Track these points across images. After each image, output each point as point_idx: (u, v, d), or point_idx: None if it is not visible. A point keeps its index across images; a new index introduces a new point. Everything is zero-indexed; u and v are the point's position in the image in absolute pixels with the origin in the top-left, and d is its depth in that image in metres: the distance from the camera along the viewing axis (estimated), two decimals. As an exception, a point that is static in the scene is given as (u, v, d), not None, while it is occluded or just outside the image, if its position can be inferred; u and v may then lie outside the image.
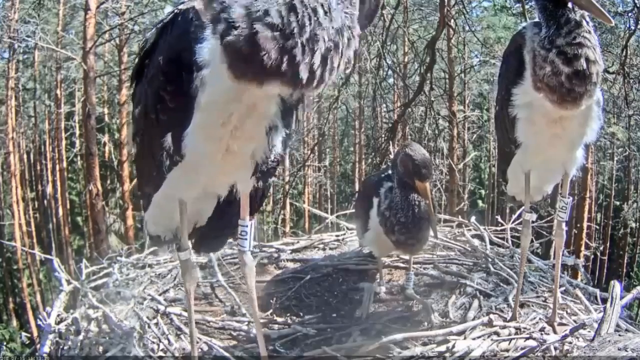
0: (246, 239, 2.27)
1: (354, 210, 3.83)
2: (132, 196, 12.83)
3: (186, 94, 1.75)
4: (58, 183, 15.72)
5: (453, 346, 2.64)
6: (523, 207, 3.02)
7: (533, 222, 3.61)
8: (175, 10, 1.80)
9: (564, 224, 2.87)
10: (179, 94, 1.77)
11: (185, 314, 3.13)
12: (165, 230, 2.56)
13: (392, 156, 3.19)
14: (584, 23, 2.29)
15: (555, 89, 2.30)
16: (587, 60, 2.25)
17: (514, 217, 4.47)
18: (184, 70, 1.72)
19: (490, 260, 3.70)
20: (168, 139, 1.89)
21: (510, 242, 4.12)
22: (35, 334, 11.21)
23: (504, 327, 2.86)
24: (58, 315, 3.20)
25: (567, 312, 3.11)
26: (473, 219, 4.32)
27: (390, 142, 6.91)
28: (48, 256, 3.98)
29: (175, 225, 2.44)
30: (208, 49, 1.66)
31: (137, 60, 2.10)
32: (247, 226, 2.25)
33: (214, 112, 1.81)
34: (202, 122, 1.81)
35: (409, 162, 2.93)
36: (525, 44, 2.43)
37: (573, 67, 2.26)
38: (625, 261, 17.11)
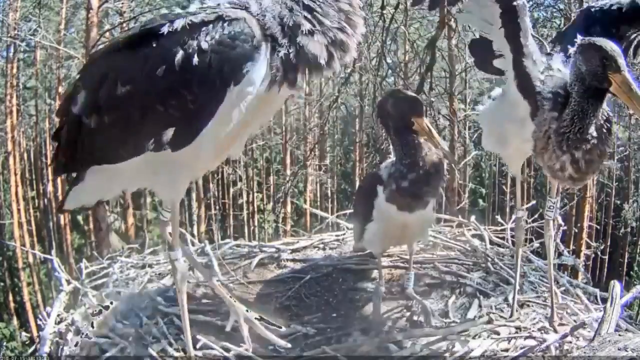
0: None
1: (352, 210, 3.76)
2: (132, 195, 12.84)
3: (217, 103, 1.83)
4: (59, 182, 15.69)
5: (453, 346, 2.65)
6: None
7: (527, 221, 3.68)
8: (225, 17, 1.80)
9: (551, 222, 2.97)
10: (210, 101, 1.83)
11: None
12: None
13: (391, 157, 3.10)
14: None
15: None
16: None
17: (513, 217, 4.47)
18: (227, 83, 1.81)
19: (490, 260, 3.70)
20: (169, 132, 1.90)
21: (510, 242, 4.12)
22: (35, 333, 11.22)
23: (503, 327, 2.87)
24: (58, 315, 3.21)
25: (567, 312, 3.11)
26: (473, 218, 4.32)
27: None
28: (48, 256, 3.98)
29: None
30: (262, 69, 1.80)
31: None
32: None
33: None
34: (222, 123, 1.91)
35: (400, 102, 2.79)
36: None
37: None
38: (626, 261, 17.10)
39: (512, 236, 4.18)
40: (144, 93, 1.87)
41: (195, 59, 1.77)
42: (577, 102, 2.31)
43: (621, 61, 2.18)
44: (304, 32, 1.78)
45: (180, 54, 1.79)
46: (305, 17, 1.78)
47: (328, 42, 1.81)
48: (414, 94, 2.90)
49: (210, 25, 1.79)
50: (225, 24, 1.78)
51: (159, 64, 1.82)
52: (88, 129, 2.05)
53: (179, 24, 1.81)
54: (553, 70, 2.54)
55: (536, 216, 4.38)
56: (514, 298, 3.04)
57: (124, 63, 1.94)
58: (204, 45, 1.77)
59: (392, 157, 3.02)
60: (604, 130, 2.33)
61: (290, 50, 1.79)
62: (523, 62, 2.51)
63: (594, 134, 2.30)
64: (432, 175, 2.84)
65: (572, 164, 2.36)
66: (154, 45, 1.85)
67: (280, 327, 2.82)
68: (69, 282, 3.52)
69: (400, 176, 2.83)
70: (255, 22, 1.81)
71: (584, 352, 2.16)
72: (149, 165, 2.12)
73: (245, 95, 1.84)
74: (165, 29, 1.83)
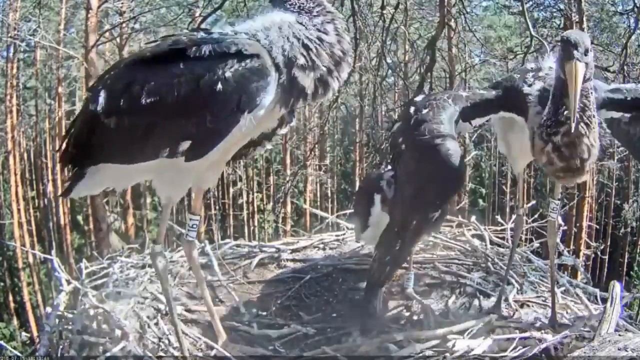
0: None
1: (352, 210, 3.75)
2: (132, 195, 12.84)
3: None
4: (59, 182, 15.68)
5: (453, 345, 2.65)
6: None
7: (527, 221, 3.71)
8: (244, 52, 2.02)
9: (555, 224, 3.03)
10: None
11: (186, 313, 3.14)
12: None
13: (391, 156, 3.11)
14: None
15: None
16: None
17: (514, 217, 4.47)
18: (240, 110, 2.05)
19: (490, 259, 3.70)
20: (185, 144, 2.10)
21: (510, 242, 4.12)
22: (35, 333, 11.24)
23: (503, 327, 2.87)
24: (58, 315, 3.20)
25: (567, 312, 3.11)
26: (473, 218, 4.32)
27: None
28: (48, 256, 3.97)
29: None
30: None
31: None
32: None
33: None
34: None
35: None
36: None
37: None
38: (626, 261, 17.10)
39: (512, 236, 4.19)
40: (169, 106, 2.03)
41: (219, 86, 1.99)
42: (553, 93, 2.38)
43: (576, 51, 2.23)
44: (298, 65, 2.06)
45: (206, 79, 2.00)
46: (302, 54, 2.06)
47: (316, 78, 2.10)
48: None
49: (235, 59, 2.01)
50: (248, 60, 2.01)
51: (186, 83, 2.01)
52: (106, 129, 2.14)
53: (205, 50, 2.02)
54: (542, 70, 2.64)
55: (536, 216, 4.38)
56: (501, 289, 3.13)
57: (152, 75, 2.08)
58: (228, 75, 1.99)
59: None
60: (585, 116, 2.33)
61: (287, 79, 2.08)
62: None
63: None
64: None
65: (555, 151, 2.38)
66: (182, 65, 2.04)
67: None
68: (69, 282, 3.52)
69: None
70: (267, 55, 2.05)
71: (584, 352, 2.16)
72: (158, 168, 2.30)
73: (256, 119, 2.10)
74: (192, 52, 2.03)
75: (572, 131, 2.26)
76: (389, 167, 3.11)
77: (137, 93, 2.06)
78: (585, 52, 2.26)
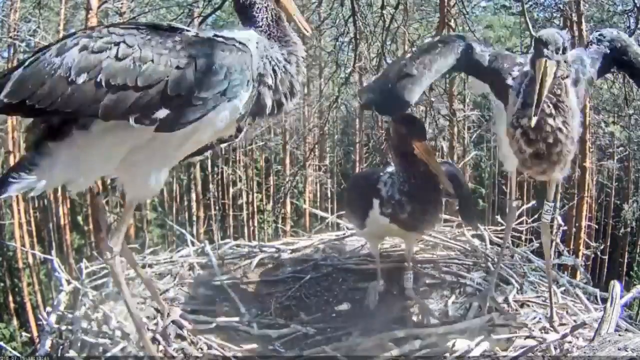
0: None
1: (347, 206, 3.63)
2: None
3: None
4: (58, 182, 15.70)
5: (453, 345, 2.65)
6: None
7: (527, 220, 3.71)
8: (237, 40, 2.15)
9: (548, 226, 3.05)
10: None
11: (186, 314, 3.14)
12: None
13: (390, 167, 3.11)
14: None
15: None
16: None
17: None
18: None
19: (490, 260, 3.70)
20: (162, 113, 2.08)
21: (510, 242, 4.12)
22: (35, 333, 11.22)
23: (503, 327, 2.87)
24: (58, 315, 3.21)
25: (567, 312, 3.12)
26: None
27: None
28: (48, 256, 3.98)
29: None
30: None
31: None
32: None
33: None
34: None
35: (401, 124, 2.80)
36: None
37: None
38: (626, 261, 17.10)
39: (513, 236, 4.19)
40: (161, 73, 2.03)
41: (215, 67, 2.07)
42: (525, 88, 2.39)
43: (546, 49, 2.26)
44: (266, 84, 2.23)
45: (204, 59, 2.07)
46: (270, 75, 2.23)
47: (275, 100, 2.27)
48: (415, 117, 2.90)
49: (232, 46, 2.13)
50: (240, 53, 2.13)
51: (184, 56, 2.05)
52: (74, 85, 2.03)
53: (205, 34, 2.17)
54: (524, 64, 2.64)
55: (536, 216, 4.37)
56: (492, 279, 3.17)
57: (149, 38, 2.08)
58: (226, 57, 2.10)
59: (390, 168, 3.06)
60: (552, 103, 2.34)
61: (255, 92, 2.23)
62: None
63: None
64: (430, 209, 2.91)
65: (523, 136, 2.38)
66: (180, 37, 2.10)
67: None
68: (69, 282, 3.52)
69: (398, 204, 2.87)
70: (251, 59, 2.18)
71: (584, 352, 2.16)
72: (125, 145, 2.24)
73: (234, 111, 2.19)
74: (194, 31, 2.16)
75: (533, 124, 2.26)
76: (387, 168, 3.10)
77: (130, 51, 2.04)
78: (557, 51, 2.28)
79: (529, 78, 2.39)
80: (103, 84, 2.01)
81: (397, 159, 2.90)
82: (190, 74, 2.05)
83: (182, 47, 2.07)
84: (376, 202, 2.97)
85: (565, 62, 2.33)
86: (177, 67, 2.04)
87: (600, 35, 2.82)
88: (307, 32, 2.44)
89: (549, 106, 2.32)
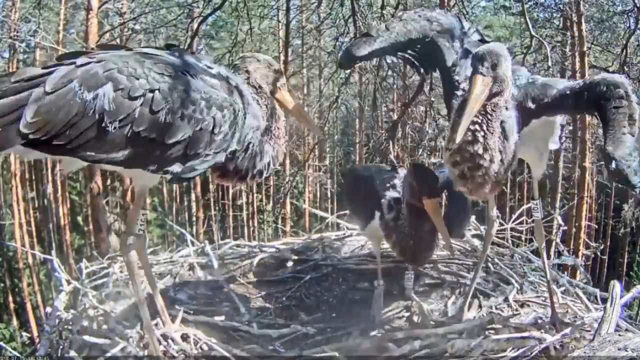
0: None
1: (348, 205, 3.66)
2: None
3: None
4: (58, 182, 15.69)
5: (453, 345, 2.65)
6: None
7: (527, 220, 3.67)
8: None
9: (540, 223, 3.03)
10: None
11: (186, 315, 3.14)
12: None
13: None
14: None
15: None
16: None
17: (513, 216, 4.48)
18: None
19: (490, 259, 3.70)
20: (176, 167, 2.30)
21: (510, 242, 4.12)
22: (35, 333, 11.23)
23: (503, 327, 2.87)
24: (58, 315, 3.20)
25: (567, 312, 3.11)
26: (473, 218, 4.32)
27: (391, 142, 6.89)
28: (48, 256, 3.98)
29: None
30: None
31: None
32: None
33: None
34: None
35: (414, 179, 2.75)
36: None
37: None
38: (626, 261, 17.09)
39: (512, 236, 4.20)
40: (187, 130, 2.17)
41: (224, 128, 2.28)
42: (459, 106, 2.35)
43: (481, 65, 2.25)
44: (250, 153, 2.51)
45: (220, 120, 2.27)
46: (257, 146, 2.52)
47: (255, 169, 2.57)
48: (431, 172, 2.90)
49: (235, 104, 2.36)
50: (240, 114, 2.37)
51: (207, 115, 2.21)
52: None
53: (217, 70, 2.39)
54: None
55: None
56: (474, 277, 3.15)
57: (182, 89, 2.17)
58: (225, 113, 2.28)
59: (395, 180, 3.05)
60: (478, 124, 2.29)
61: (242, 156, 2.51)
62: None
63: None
64: (424, 254, 2.93)
65: (451, 157, 2.35)
66: (207, 94, 2.22)
67: None
68: (69, 282, 3.52)
69: (396, 241, 2.90)
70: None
71: (584, 352, 2.16)
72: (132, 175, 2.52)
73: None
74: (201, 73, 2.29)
75: (456, 141, 2.22)
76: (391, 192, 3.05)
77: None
78: (494, 67, 2.26)
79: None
80: (132, 133, 2.03)
81: (407, 207, 2.86)
82: (207, 135, 2.21)
83: (206, 105, 2.19)
84: (377, 215, 2.98)
85: (504, 77, 2.28)
86: (200, 129, 2.19)
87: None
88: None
89: (471, 130, 2.27)
